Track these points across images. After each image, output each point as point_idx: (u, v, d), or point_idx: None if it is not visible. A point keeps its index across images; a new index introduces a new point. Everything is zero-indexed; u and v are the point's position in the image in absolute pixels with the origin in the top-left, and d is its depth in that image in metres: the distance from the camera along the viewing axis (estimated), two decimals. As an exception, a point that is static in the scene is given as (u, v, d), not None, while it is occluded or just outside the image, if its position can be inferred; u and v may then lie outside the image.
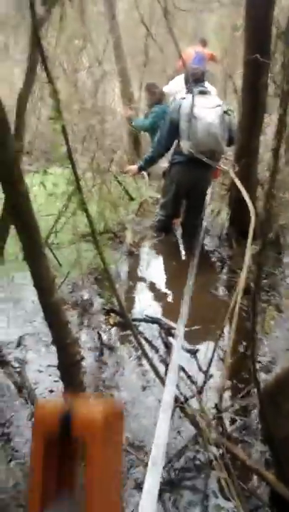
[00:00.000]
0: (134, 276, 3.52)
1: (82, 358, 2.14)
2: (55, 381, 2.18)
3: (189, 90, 3.49)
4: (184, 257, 3.79)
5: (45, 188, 3.01)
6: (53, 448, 0.56)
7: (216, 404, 1.94)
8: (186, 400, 2.02)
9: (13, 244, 1.98)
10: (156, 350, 2.54)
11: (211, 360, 2.13)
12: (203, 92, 3.53)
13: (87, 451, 0.53)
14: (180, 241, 3.97)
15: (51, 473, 0.56)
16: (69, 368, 1.77)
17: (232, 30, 5.67)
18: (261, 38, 3.00)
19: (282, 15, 3.13)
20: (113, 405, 0.60)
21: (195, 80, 3.57)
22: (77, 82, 4.13)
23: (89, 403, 0.60)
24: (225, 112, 3.42)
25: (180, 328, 2.45)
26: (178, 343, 2.30)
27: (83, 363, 2.29)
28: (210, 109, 3.38)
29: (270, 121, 3.45)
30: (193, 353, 2.41)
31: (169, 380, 1.89)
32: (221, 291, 3.26)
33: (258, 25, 2.99)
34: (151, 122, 4.96)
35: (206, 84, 3.79)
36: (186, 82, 3.65)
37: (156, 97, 5.08)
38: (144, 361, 2.41)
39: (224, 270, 3.54)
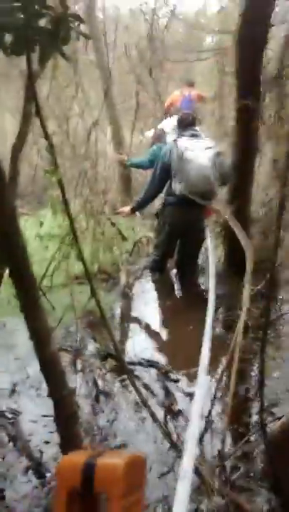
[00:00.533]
0: (129, 318, 3.47)
1: (78, 407, 2.07)
2: (51, 432, 2.09)
3: (180, 134, 3.57)
4: (178, 296, 3.77)
5: (38, 231, 3.01)
6: (75, 501, 0.56)
7: (218, 452, 1.86)
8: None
9: (5, 288, 1.94)
10: (154, 395, 2.45)
11: (212, 405, 2.06)
12: (194, 135, 3.62)
13: (108, 505, 0.55)
14: (175, 281, 3.96)
15: None
16: (65, 420, 1.69)
17: (220, 74, 5.89)
18: (251, 84, 3.11)
19: (271, 62, 3.25)
20: (135, 458, 0.60)
21: (186, 124, 3.67)
22: (68, 128, 4.23)
23: (111, 456, 0.61)
24: (217, 154, 3.50)
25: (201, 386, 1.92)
26: (198, 404, 1.75)
27: (79, 412, 2.22)
28: (201, 152, 3.45)
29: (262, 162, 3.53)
30: (192, 396, 2.32)
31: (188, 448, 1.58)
32: (219, 330, 3.21)
33: (248, 72, 3.10)
34: (150, 160, 5.03)
35: (197, 127, 3.89)
36: (178, 126, 3.74)
37: (156, 137, 5.19)
38: (142, 407, 2.34)
39: (221, 309, 3.50)
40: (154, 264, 4.18)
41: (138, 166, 5.29)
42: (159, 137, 5.13)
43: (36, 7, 1.34)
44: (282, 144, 3.09)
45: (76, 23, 1.49)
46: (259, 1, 2.89)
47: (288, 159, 1.37)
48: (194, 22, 8.11)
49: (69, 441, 1.84)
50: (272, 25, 3.37)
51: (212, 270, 3.02)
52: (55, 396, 1.72)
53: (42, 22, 1.39)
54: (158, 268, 4.17)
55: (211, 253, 3.40)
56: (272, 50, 3.43)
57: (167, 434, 2.02)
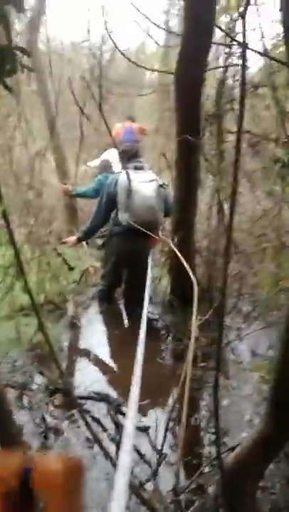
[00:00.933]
0: (77, 350, 3.41)
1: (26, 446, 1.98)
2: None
3: (124, 166, 3.64)
4: (126, 326, 3.76)
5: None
6: (11, 503, 0.54)
7: (173, 488, 1.84)
8: (141, 484, 1.90)
9: None
10: (105, 430, 2.40)
11: (164, 438, 2.05)
12: (138, 168, 3.71)
13: (46, 506, 0.53)
14: (122, 310, 3.96)
15: None
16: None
17: (160, 109, 6.10)
18: (191, 120, 3.24)
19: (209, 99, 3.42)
20: (72, 460, 0.58)
21: (129, 156, 3.76)
22: (12, 158, 4.19)
23: (48, 458, 0.59)
24: (160, 186, 3.61)
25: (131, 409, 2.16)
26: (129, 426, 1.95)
27: (27, 451, 2.13)
28: (146, 184, 3.55)
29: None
30: (145, 430, 2.31)
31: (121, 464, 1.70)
32: (168, 360, 3.23)
33: (187, 108, 3.23)
34: (95, 189, 5.06)
35: (141, 159, 3.99)
36: (121, 157, 3.82)
37: (102, 167, 5.24)
38: (94, 443, 2.28)
39: (169, 338, 3.53)
40: (101, 294, 4.18)
41: (83, 195, 5.31)
42: (105, 168, 5.21)
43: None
44: (222, 177, 3.24)
45: (21, 55, 1.51)
46: (195, 41, 3.03)
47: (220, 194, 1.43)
48: (135, 58, 8.40)
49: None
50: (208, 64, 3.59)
51: (146, 301, 3.05)
52: (1, 436, 1.66)
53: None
54: (106, 298, 4.17)
55: (148, 283, 3.45)
56: (211, 87, 3.61)
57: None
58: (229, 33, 3.18)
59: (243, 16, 1.04)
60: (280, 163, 1.15)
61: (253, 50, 1.27)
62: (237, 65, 2.86)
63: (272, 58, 2.72)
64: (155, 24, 3.37)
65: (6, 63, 1.40)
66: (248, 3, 1.07)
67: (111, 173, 4.88)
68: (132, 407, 1.50)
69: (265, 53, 2.70)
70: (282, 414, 1.44)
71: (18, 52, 1.45)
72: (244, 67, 1.08)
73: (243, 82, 1.11)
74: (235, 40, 2.67)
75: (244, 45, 1.05)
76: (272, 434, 1.45)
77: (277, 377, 1.45)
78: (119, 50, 3.64)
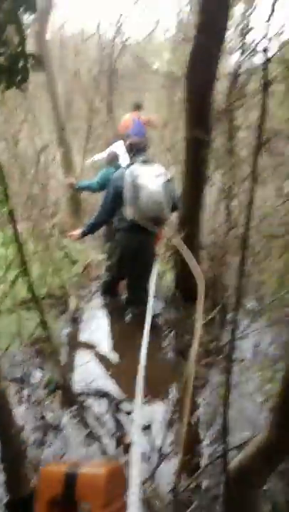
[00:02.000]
0: (79, 345, 3.38)
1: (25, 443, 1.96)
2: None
3: (132, 159, 3.59)
4: (129, 321, 3.73)
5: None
6: (57, 509, 0.63)
7: (173, 486, 1.81)
8: (142, 483, 1.87)
9: None
10: (106, 428, 2.37)
11: (165, 437, 2.02)
12: (146, 161, 3.65)
13: (91, 510, 0.61)
14: (124, 304, 3.94)
15: None
16: (12, 460, 1.60)
17: (169, 101, 6.02)
18: (200, 116, 3.19)
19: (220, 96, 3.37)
20: (115, 467, 0.62)
21: (138, 150, 3.71)
22: (18, 151, 4.15)
23: (92, 463, 0.64)
24: (168, 181, 3.55)
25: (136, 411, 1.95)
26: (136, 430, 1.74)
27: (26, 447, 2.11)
28: (153, 178, 3.49)
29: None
30: (146, 428, 2.28)
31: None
32: (170, 356, 3.20)
33: (197, 104, 3.18)
34: (99, 182, 5.00)
35: (148, 153, 3.94)
36: (129, 151, 3.76)
37: (110, 159, 5.17)
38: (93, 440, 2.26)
39: (172, 334, 3.50)
40: (105, 286, 4.15)
41: (87, 188, 5.26)
42: (112, 159, 5.14)
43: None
44: (230, 174, 3.19)
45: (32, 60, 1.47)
46: (208, 36, 2.97)
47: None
48: (142, 49, 8.30)
49: (16, 480, 1.75)
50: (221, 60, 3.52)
51: (151, 297, 3.03)
52: (1, 436, 1.63)
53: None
54: (109, 290, 4.14)
55: (153, 278, 3.41)
56: (222, 84, 3.55)
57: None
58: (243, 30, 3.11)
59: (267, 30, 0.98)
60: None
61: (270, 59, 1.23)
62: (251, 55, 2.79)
63: None
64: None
65: (19, 72, 1.37)
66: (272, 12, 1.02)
67: (117, 166, 4.83)
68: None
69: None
70: (288, 423, 1.40)
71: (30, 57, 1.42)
72: (266, 86, 1.02)
73: (265, 89, 1.05)
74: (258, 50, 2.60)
75: (266, 57, 1.00)
76: (277, 442, 1.40)
77: (285, 386, 1.41)
78: (124, 41, 3.56)
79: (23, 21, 1.35)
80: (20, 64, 1.36)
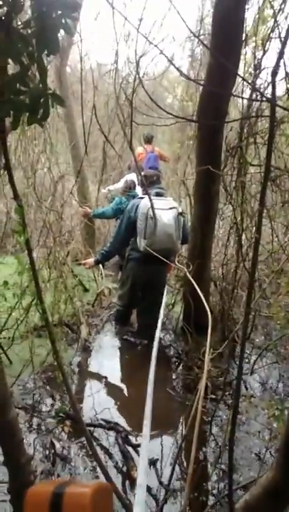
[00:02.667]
0: (89, 375, 3.41)
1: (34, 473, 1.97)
2: (3, 501, 1.98)
3: (146, 192, 3.70)
4: (139, 350, 3.76)
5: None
6: None
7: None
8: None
9: None
10: (113, 460, 2.39)
11: (172, 473, 2.03)
12: (159, 194, 3.76)
13: None
14: (135, 334, 3.98)
15: None
16: (20, 491, 1.62)
17: (181, 138, 6.17)
18: (212, 151, 3.28)
19: (231, 133, 3.47)
20: (102, 486, 0.63)
21: (151, 182, 3.82)
22: (35, 181, 4.29)
23: (78, 485, 0.63)
24: (180, 214, 3.64)
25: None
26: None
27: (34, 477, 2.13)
28: (166, 211, 3.59)
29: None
30: (153, 463, 2.29)
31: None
32: (178, 389, 3.20)
33: (209, 140, 3.28)
34: (114, 208, 5.15)
35: (162, 186, 4.06)
36: (143, 183, 3.87)
37: (127, 188, 5.31)
38: (100, 473, 2.26)
39: (180, 367, 3.51)
40: (117, 314, 4.23)
41: (102, 215, 5.40)
42: (129, 188, 5.29)
43: (17, 85, 1.41)
44: (242, 209, 3.26)
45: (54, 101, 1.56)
46: (220, 75, 3.08)
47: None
48: (158, 84, 8.56)
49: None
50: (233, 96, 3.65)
51: (158, 329, 3.06)
52: (11, 465, 1.66)
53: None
54: (122, 318, 4.21)
55: (162, 309, 3.46)
56: (234, 119, 3.66)
57: (125, 504, 1.97)
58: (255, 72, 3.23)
59: (274, 74, 1.06)
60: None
61: (280, 107, 1.29)
62: (260, 100, 2.90)
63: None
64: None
65: (40, 109, 1.45)
66: (280, 57, 1.10)
67: (133, 195, 4.96)
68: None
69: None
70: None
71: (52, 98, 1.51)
72: (272, 124, 1.10)
73: (271, 137, 1.13)
74: (264, 96, 2.70)
75: (273, 102, 1.08)
76: (283, 483, 1.42)
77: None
78: (141, 78, 3.70)
79: (45, 61, 1.44)
80: (42, 101, 1.43)
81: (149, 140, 7.42)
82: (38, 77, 1.40)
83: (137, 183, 5.34)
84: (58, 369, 2.64)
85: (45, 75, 1.37)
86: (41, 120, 1.47)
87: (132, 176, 5.69)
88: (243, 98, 3.58)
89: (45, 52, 1.41)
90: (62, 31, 1.43)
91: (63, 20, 1.39)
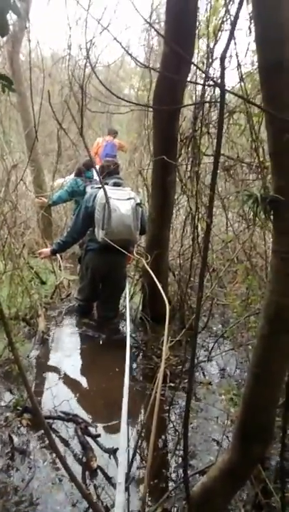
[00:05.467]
0: (48, 367, 3.36)
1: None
2: None
3: (103, 181, 3.67)
4: (99, 342, 3.75)
5: None
6: None
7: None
8: (108, 510, 1.89)
9: None
10: (73, 452, 2.38)
11: (132, 461, 2.05)
12: (117, 184, 3.74)
13: None
14: (95, 326, 3.96)
15: None
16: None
17: (139, 129, 6.15)
18: (167, 141, 3.29)
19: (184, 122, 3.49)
20: None
21: (109, 172, 3.79)
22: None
23: None
24: (138, 204, 3.64)
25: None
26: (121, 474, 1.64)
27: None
28: (124, 201, 3.57)
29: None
30: (112, 452, 2.30)
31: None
32: (138, 378, 3.22)
33: (165, 130, 3.29)
34: (68, 191, 5.09)
35: (119, 176, 4.03)
36: (100, 173, 3.83)
37: (77, 173, 5.24)
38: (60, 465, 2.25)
39: (140, 357, 3.53)
40: (78, 308, 4.19)
41: (59, 200, 5.32)
42: (80, 172, 5.22)
43: None
44: (197, 198, 3.29)
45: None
46: (175, 63, 3.09)
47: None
48: (114, 75, 8.49)
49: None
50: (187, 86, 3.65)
51: (128, 318, 3.09)
52: None
53: None
54: (83, 312, 4.17)
55: (128, 300, 3.48)
56: (190, 110, 3.68)
57: (86, 495, 1.96)
58: (208, 60, 3.26)
59: (222, 58, 1.07)
60: (252, 200, 1.18)
61: (230, 92, 1.30)
62: (212, 85, 2.92)
63: (248, 101, 2.80)
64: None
65: None
66: (228, 44, 1.10)
67: (88, 178, 4.92)
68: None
69: (244, 97, 2.77)
70: (249, 446, 1.46)
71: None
72: (222, 109, 1.11)
73: (220, 121, 1.14)
74: (214, 82, 2.72)
75: (222, 87, 1.09)
76: (239, 465, 1.46)
77: (244, 410, 1.47)
78: (93, 66, 3.65)
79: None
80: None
81: (110, 132, 7.40)
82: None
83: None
84: (15, 362, 2.60)
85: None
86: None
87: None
88: (196, 84, 3.60)
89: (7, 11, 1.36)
90: (11, 13, 1.38)
91: (12, 1, 1.34)
